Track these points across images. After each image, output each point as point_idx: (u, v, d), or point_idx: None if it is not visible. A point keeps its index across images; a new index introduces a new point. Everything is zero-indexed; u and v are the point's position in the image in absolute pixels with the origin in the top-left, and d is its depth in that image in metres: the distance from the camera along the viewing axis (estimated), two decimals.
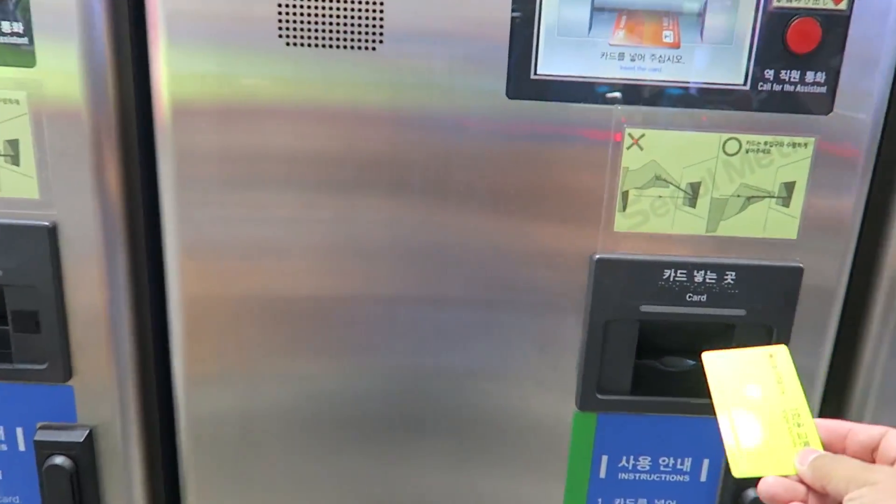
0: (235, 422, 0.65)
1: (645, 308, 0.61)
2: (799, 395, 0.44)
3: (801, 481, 0.40)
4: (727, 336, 0.63)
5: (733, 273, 0.61)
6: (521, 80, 0.56)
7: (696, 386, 0.66)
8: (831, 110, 0.57)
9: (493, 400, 0.65)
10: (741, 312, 0.61)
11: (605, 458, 0.66)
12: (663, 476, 0.66)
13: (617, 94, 0.56)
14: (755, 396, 0.44)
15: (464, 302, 0.62)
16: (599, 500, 0.67)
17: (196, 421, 0.65)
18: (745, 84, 0.56)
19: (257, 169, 0.58)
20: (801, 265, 0.61)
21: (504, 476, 0.67)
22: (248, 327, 0.62)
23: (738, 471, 0.43)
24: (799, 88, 0.56)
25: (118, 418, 0.64)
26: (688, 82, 0.56)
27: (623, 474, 0.66)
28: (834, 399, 0.68)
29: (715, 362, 0.46)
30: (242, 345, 0.63)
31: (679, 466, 0.66)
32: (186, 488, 0.67)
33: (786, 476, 0.41)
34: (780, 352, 0.46)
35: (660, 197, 0.59)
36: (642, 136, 0.57)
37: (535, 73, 0.56)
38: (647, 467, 0.66)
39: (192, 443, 0.66)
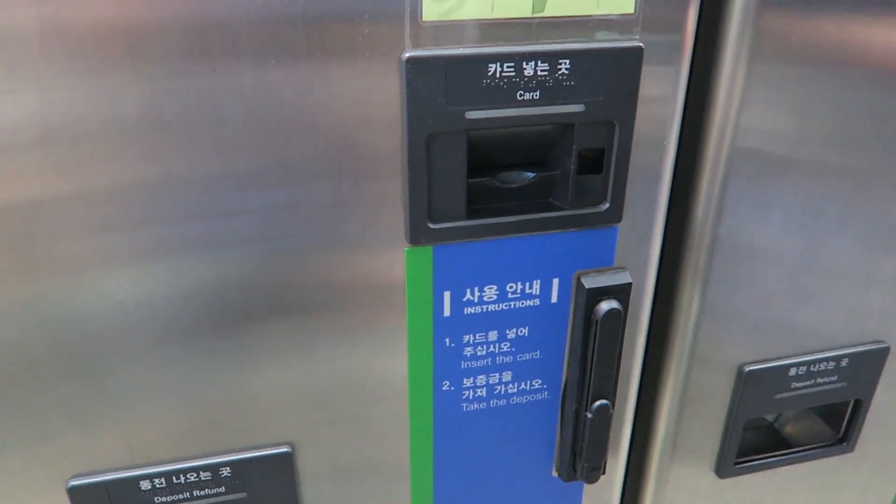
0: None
1: (471, 115, 0.51)
2: None
3: None
4: (566, 139, 0.56)
5: (567, 61, 0.51)
6: None
7: (538, 201, 0.59)
8: None
9: (310, 259, 0.54)
10: (579, 108, 0.53)
11: (447, 295, 0.58)
12: (512, 304, 0.60)
13: None
14: None
15: (243, 144, 0.49)
16: (447, 339, 0.60)
17: None
18: None
19: None
20: (640, 44, 0.53)
21: (342, 342, 0.58)
22: None
23: None
24: None
25: None
26: None
27: (469, 308, 0.59)
28: (681, 193, 0.64)
29: None
30: None
31: (528, 291, 0.60)
32: None
33: None
34: None
35: None
36: None
37: None
38: (495, 297, 0.59)
39: None
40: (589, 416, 0.64)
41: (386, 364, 0.60)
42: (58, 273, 0.51)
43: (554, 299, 0.61)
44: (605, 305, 0.60)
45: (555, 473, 0.71)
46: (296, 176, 0.51)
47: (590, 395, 0.64)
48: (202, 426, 0.59)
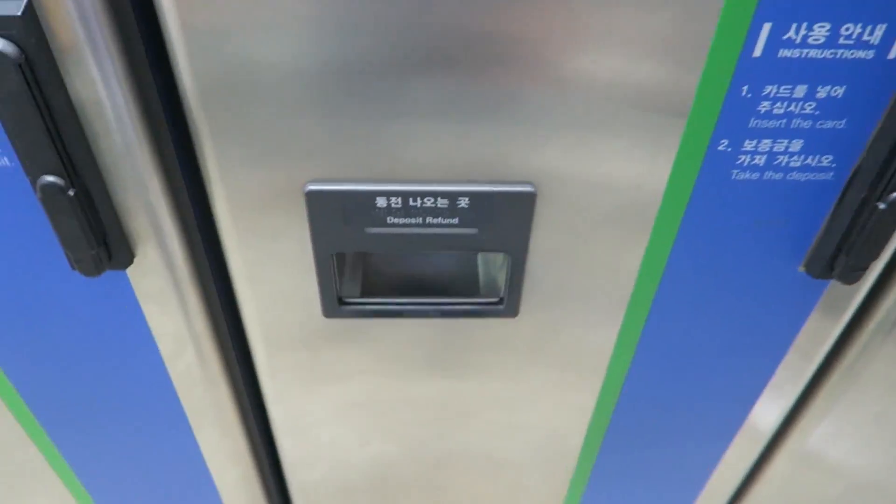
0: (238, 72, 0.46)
1: None
2: None
3: None
4: None
5: None
6: None
7: None
8: None
9: None
10: None
11: (766, 28, 0.47)
12: (839, 52, 0.48)
13: None
14: None
15: None
16: (746, 86, 0.50)
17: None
18: None
19: None
20: None
21: (618, 78, 0.49)
22: None
23: None
24: None
25: None
26: None
27: (786, 51, 0.48)
28: None
29: None
30: None
31: (866, 38, 0.48)
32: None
33: None
34: None
35: None
36: None
37: None
38: (822, 40, 0.47)
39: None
40: (881, 206, 0.54)
41: (660, 108, 0.51)
42: None
43: (893, 54, 0.48)
44: None
45: (802, 269, 0.63)
46: None
47: (889, 183, 0.54)
48: (448, 152, 0.54)
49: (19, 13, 0.42)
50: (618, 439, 0.87)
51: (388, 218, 0.57)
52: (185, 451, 0.83)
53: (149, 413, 0.77)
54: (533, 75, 0.50)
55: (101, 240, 0.55)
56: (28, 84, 0.43)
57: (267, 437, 0.90)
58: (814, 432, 0.85)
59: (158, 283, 0.62)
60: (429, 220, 0.57)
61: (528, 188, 0.55)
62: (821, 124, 0.52)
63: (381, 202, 0.56)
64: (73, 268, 0.56)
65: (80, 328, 0.66)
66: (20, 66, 0.42)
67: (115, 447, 0.83)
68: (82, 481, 0.89)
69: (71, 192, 0.50)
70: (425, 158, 0.54)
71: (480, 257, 0.72)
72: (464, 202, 0.56)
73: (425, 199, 0.56)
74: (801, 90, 0.50)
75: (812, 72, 0.49)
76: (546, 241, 0.61)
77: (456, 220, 0.57)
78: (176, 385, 0.74)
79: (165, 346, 0.69)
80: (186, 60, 0.48)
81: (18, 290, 0.62)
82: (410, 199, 0.56)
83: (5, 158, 0.51)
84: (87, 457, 0.84)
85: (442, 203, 0.56)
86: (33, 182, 0.50)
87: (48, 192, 0.50)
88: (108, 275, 0.60)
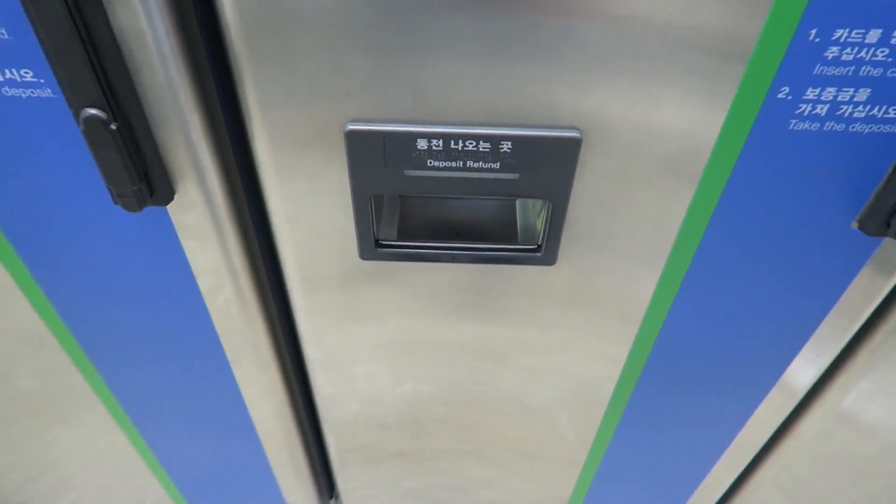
0: None
1: None
2: None
3: None
4: None
5: None
6: None
7: None
8: None
9: None
10: None
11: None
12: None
13: None
14: None
15: None
16: (814, 31, 0.47)
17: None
18: None
19: None
20: None
21: (673, 20, 0.46)
22: None
23: None
24: None
25: None
26: None
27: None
28: None
29: None
30: None
31: None
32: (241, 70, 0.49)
33: None
34: None
35: None
36: None
37: None
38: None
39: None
40: None
41: (719, 52, 0.49)
42: None
43: None
44: None
45: (855, 225, 0.61)
46: None
47: None
48: (491, 94, 0.52)
49: None
50: (648, 390, 0.86)
51: (429, 161, 0.56)
52: (223, 384, 0.85)
53: (188, 346, 0.79)
54: (583, 14, 0.47)
55: (142, 175, 0.55)
56: (70, 11, 0.42)
57: (301, 373, 0.92)
58: (852, 391, 0.83)
59: (198, 219, 0.62)
60: (470, 163, 0.56)
61: (573, 133, 0.54)
62: (892, 73, 0.49)
63: (421, 144, 0.54)
64: (115, 203, 0.56)
65: (122, 263, 0.68)
66: None
67: (157, 377, 0.85)
68: (126, 409, 0.92)
69: (113, 126, 0.50)
70: (468, 100, 0.53)
71: (519, 202, 0.71)
72: (506, 146, 0.54)
73: (467, 143, 0.54)
74: (874, 35, 0.47)
75: (888, 16, 0.46)
76: (589, 188, 0.59)
77: (497, 165, 0.56)
78: (214, 320, 0.75)
79: (204, 282, 0.70)
80: None
81: (63, 225, 0.63)
82: (452, 142, 0.54)
83: (49, 90, 0.51)
84: (130, 386, 0.87)
85: (484, 147, 0.54)
86: (76, 115, 0.50)
87: (91, 125, 0.49)
88: (149, 210, 0.61)
